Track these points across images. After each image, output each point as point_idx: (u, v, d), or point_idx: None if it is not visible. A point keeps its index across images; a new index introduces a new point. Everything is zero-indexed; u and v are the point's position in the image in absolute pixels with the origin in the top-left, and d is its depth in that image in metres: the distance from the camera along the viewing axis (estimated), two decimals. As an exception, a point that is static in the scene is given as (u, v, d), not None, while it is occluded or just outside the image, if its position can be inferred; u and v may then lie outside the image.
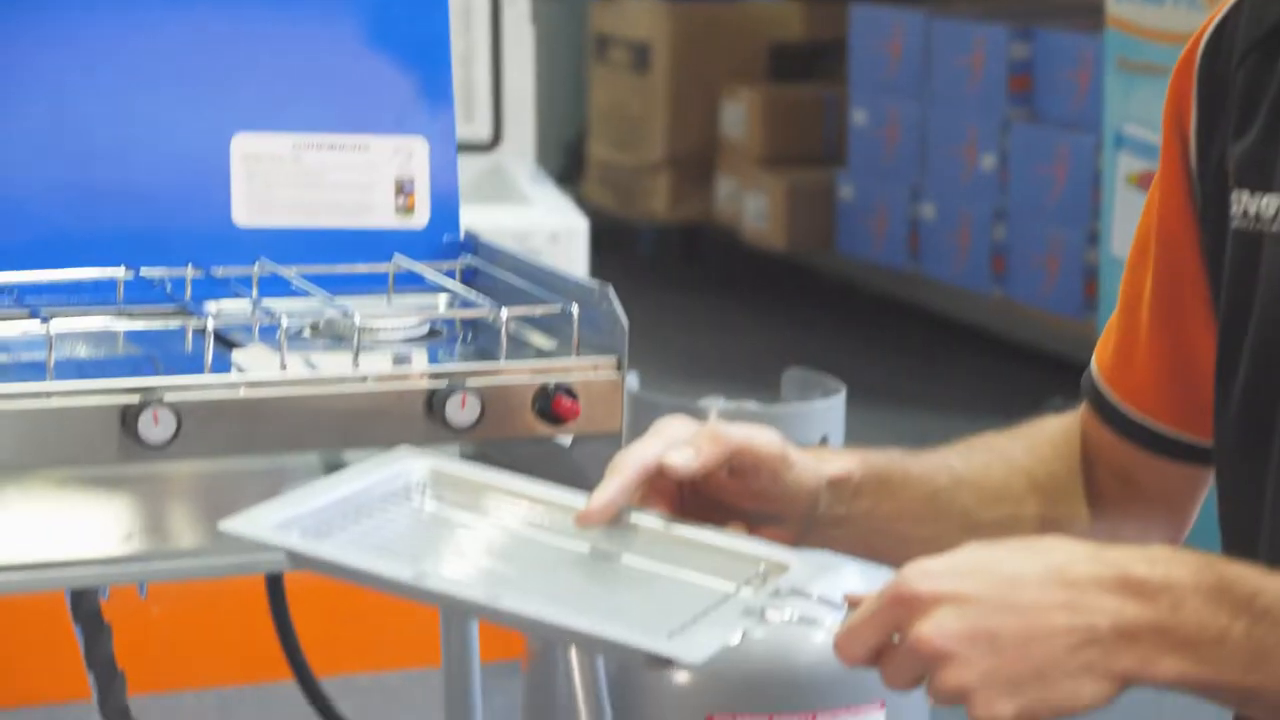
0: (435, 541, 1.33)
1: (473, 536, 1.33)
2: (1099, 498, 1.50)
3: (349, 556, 1.25)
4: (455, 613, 1.20)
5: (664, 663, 1.18)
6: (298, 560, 1.26)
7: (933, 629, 1.17)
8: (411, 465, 1.39)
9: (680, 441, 1.34)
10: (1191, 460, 1.46)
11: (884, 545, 1.43)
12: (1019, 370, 5.03)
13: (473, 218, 1.87)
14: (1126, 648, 1.18)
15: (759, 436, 1.36)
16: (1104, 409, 1.49)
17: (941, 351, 5.27)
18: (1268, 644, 1.18)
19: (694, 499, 1.37)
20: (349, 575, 1.24)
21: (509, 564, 1.30)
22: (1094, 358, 1.51)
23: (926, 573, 1.19)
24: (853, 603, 1.24)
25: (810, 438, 2.46)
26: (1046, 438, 1.52)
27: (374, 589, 1.24)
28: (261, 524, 1.28)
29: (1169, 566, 1.19)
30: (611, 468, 1.33)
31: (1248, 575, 1.19)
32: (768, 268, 5.81)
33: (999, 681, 1.17)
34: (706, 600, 1.26)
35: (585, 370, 1.61)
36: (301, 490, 1.34)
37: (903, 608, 1.19)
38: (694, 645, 1.19)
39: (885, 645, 1.20)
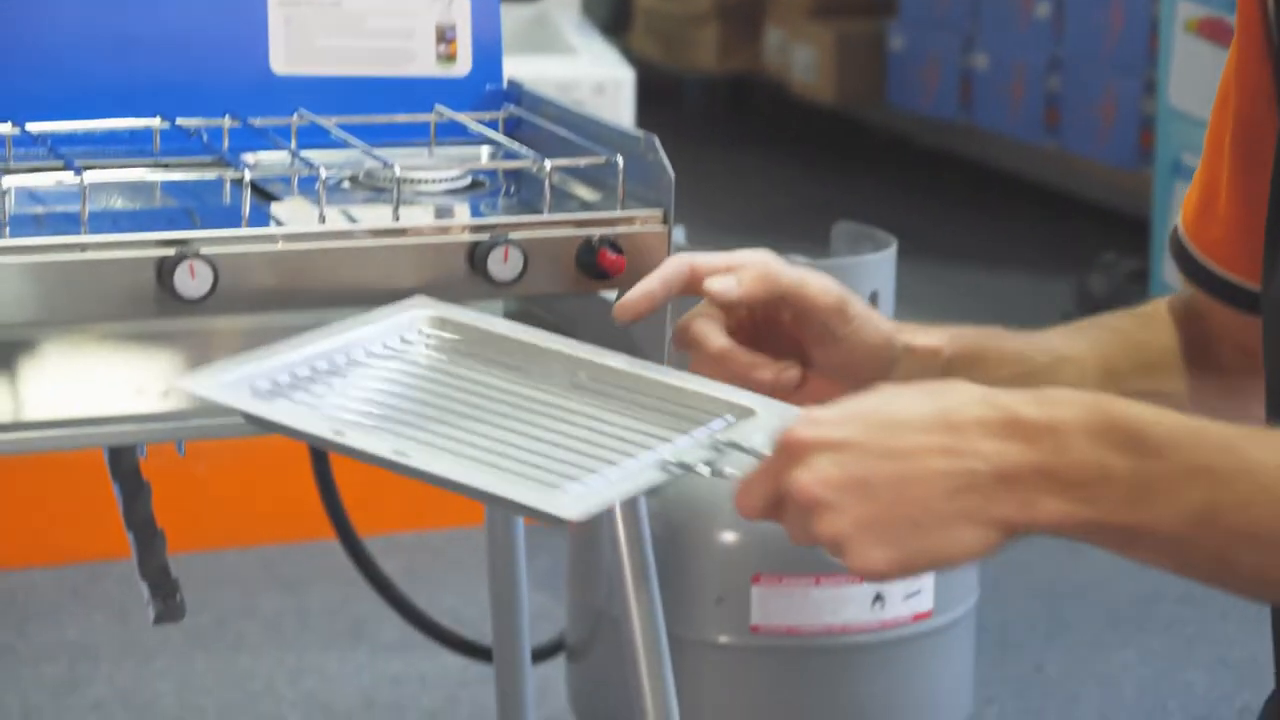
0: (399, 394, 1.32)
1: (440, 388, 1.32)
2: (1192, 363, 1.46)
3: (273, 412, 1.25)
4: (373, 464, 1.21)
5: (545, 517, 1.16)
6: (249, 419, 1.26)
7: (808, 476, 1.14)
8: (416, 314, 1.39)
9: (731, 267, 1.32)
10: None
11: None
12: (1072, 223, 4.98)
13: (516, 68, 1.84)
14: (1006, 492, 1.13)
15: (814, 283, 1.33)
16: (1185, 262, 1.45)
17: (993, 205, 5.22)
18: (1152, 480, 1.13)
19: (757, 338, 1.35)
20: (281, 431, 1.25)
21: (456, 415, 1.29)
22: (1180, 213, 1.47)
23: (813, 420, 1.15)
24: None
25: (861, 292, 2.41)
26: (1153, 312, 1.48)
27: (311, 445, 1.25)
28: (214, 381, 1.28)
29: (1057, 408, 1.14)
30: (660, 266, 1.33)
31: (1139, 413, 1.14)
32: (816, 120, 5.76)
33: (873, 530, 1.14)
34: (633, 448, 1.24)
35: (630, 223, 1.58)
36: (291, 341, 1.34)
37: (787, 456, 1.15)
38: (575, 501, 1.17)
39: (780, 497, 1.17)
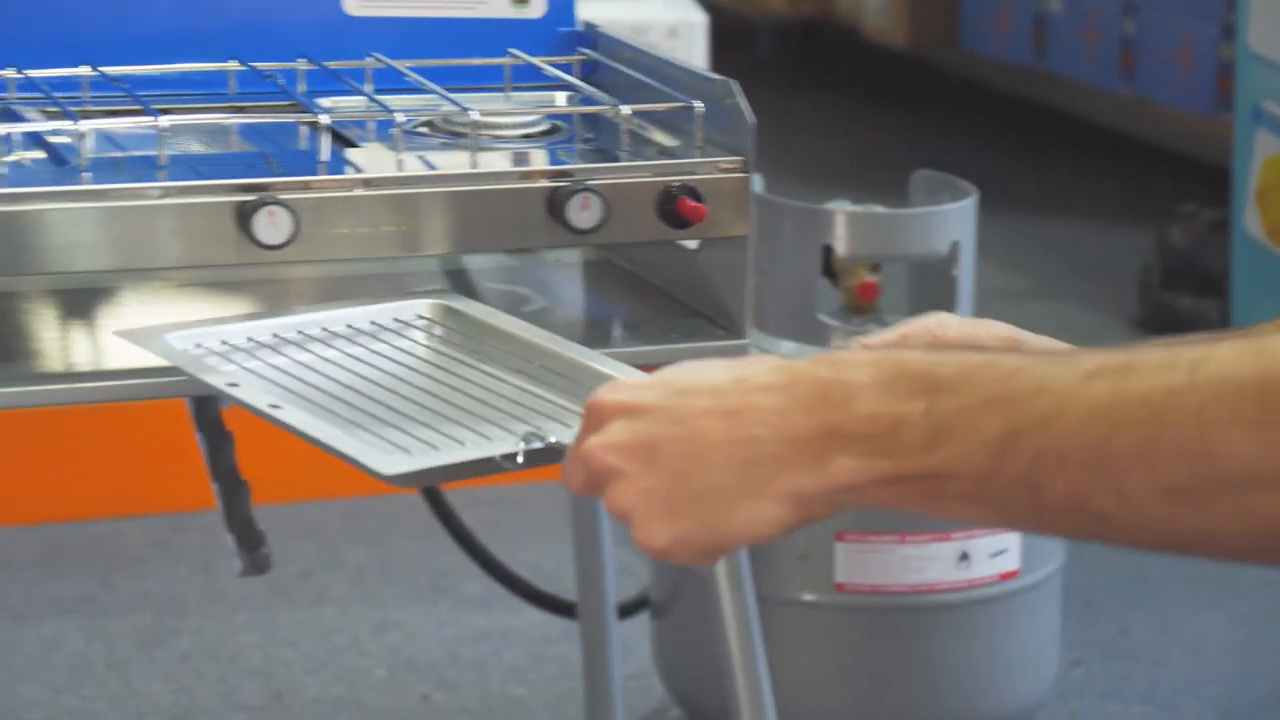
0: (339, 364, 1.39)
1: (384, 360, 1.40)
2: None
3: (180, 360, 1.35)
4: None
5: (365, 469, 1.21)
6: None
7: (598, 441, 1.11)
8: (424, 302, 1.45)
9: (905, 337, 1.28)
10: None
11: None
12: (1149, 171, 4.93)
13: (588, 11, 1.82)
14: (793, 458, 1.07)
15: (982, 334, 1.27)
16: None
17: (1069, 152, 5.17)
18: (946, 419, 1.05)
19: None
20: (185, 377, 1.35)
21: (373, 383, 1.36)
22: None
23: (615, 385, 1.13)
24: None
25: (942, 242, 2.41)
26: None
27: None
28: (158, 336, 1.38)
29: (844, 368, 1.08)
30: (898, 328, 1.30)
31: (927, 357, 1.07)
32: (888, 65, 5.72)
33: (656, 502, 1.09)
34: (515, 424, 1.27)
35: (710, 170, 1.56)
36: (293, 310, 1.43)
37: (588, 421, 1.12)
38: (398, 461, 1.21)
39: None
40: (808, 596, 2.34)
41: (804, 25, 6.00)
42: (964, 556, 2.33)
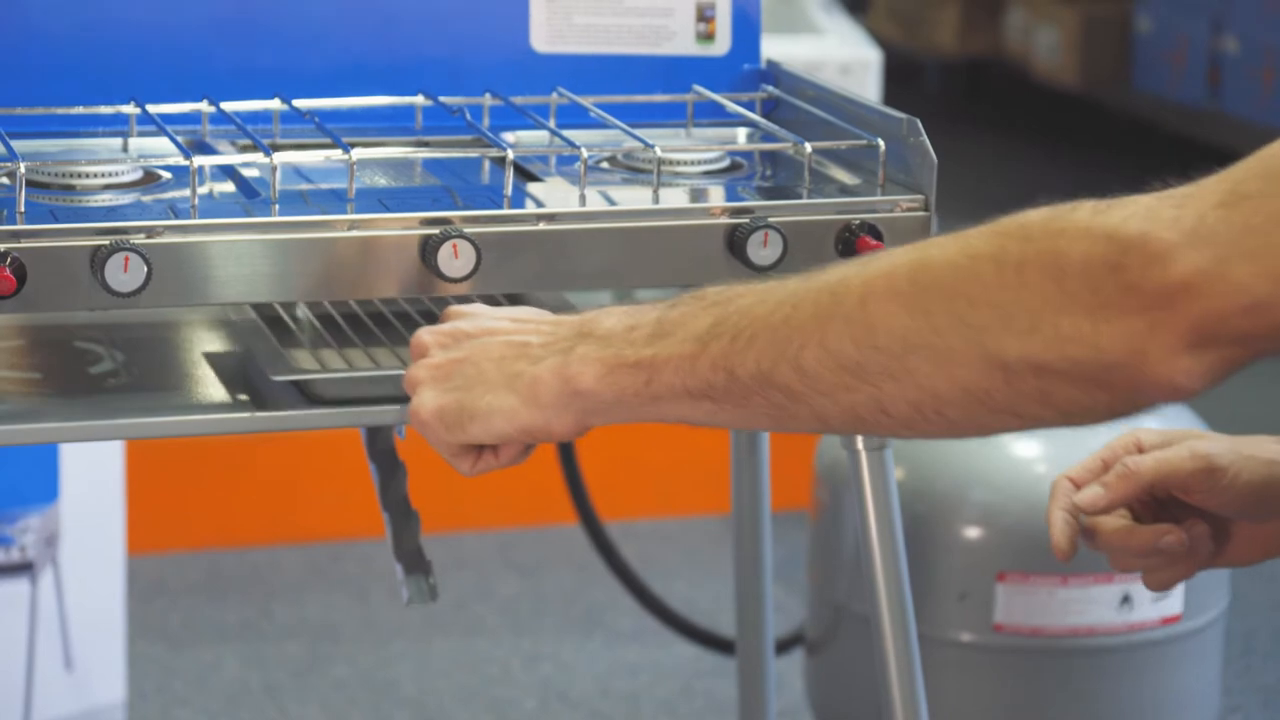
0: None
1: None
2: None
3: None
4: None
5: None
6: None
7: (428, 327, 1.33)
8: None
9: (1091, 476, 1.37)
10: None
11: None
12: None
13: (765, 48, 1.81)
14: (545, 355, 1.24)
15: (1174, 459, 1.34)
16: None
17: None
18: (672, 318, 1.21)
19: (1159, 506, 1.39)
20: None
21: None
22: None
23: (476, 304, 1.36)
24: None
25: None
26: None
27: None
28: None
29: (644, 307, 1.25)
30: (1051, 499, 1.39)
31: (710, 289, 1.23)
32: (1058, 104, 5.66)
33: (436, 379, 1.28)
34: None
35: (891, 209, 1.55)
36: None
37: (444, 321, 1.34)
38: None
39: None
40: (966, 637, 2.31)
41: (972, 64, 5.96)
42: (1126, 599, 2.29)
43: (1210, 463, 1.33)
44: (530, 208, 1.51)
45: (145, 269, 1.38)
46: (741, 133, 1.74)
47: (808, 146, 1.58)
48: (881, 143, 1.57)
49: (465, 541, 3.14)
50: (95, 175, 1.49)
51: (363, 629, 2.89)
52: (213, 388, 1.52)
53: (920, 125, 1.56)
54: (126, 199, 1.48)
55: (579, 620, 2.95)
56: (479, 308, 1.33)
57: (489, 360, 1.26)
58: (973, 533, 2.30)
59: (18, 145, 1.48)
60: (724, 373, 1.17)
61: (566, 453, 2.45)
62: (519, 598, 3.01)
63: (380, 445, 1.68)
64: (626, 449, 3.14)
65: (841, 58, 3.19)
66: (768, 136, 1.66)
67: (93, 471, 2.48)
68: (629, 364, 1.21)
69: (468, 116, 1.64)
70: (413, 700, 2.72)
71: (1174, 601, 2.32)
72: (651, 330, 1.21)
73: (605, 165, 1.62)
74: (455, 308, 1.34)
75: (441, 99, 1.66)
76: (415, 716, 2.68)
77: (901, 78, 5.47)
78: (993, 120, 5.84)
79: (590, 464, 2.65)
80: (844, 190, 1.58)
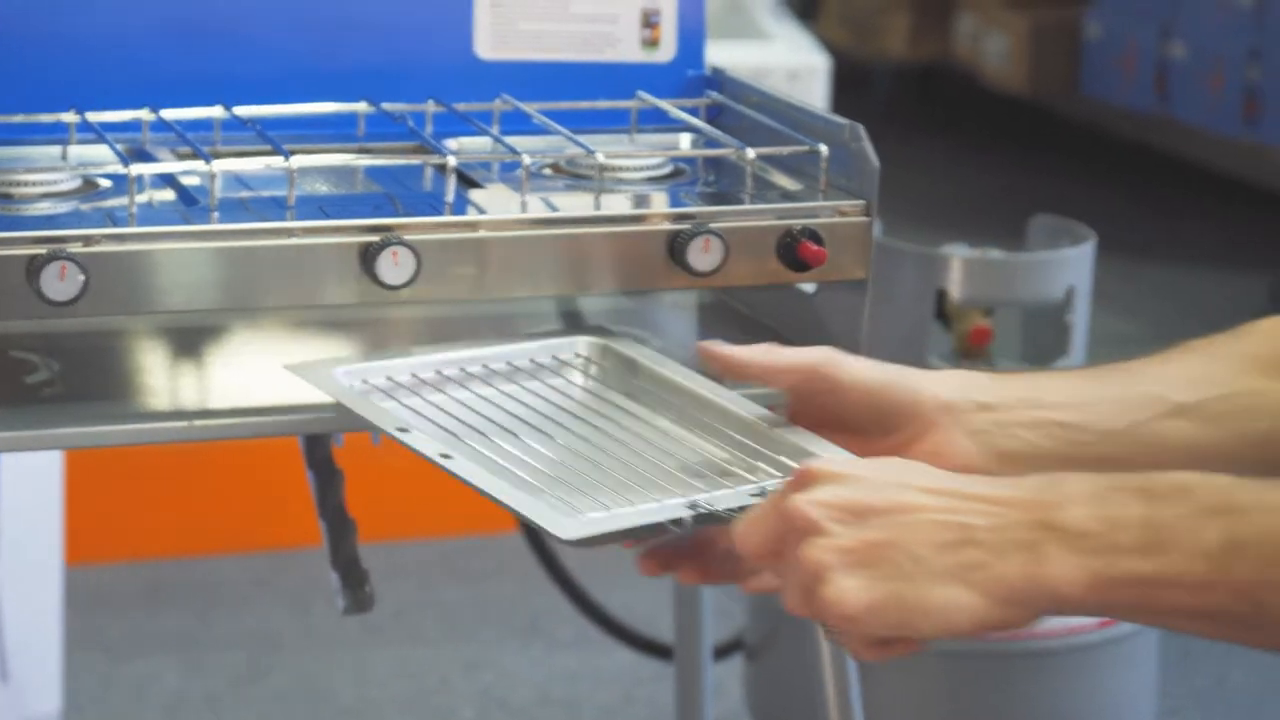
0: (500, 405, 1.39)
1: (543, 402, 1.40)
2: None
3: (354, 402, 1.36)
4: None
5: (546, 534, 1.21)
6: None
7: (806, 497, 1.11)
8: (582, 339, 1.45)
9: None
10: None
11: (1074, 444, 1.31)
12: (1268, 219, 4.87)
13: (709, 53, 1.81)
14: (1006, 549, 1.07)
15: (805, 352, 1.32)
16: None
17: (1189, 199, 5.12)
18: (1166, 523, 1.06)
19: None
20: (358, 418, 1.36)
21: (532, 428, 1.37)
22: None
23: (831, 458, 1.15)
24: None
25: (1057, 288, 2.38)
26: (1257, 326, 1.42)
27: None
28: (324, 371, 1.39)
29: (1062, 477, 1.09)
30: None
31: (1141, 473, 1.09)
32: (1008, 110, 5.68)
33: (854, 564, 1.08)
34: (680, 486, 1.27)
35: (832, 214, 1.55)
36: (447, 350, 1.42)
37: (795, 485, 1.12)
38: (579, 525, 1.21)
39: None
40: (908, 645, 2.30)
41: (923, 70, 5.97)
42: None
43: (833, 355, 1.30)
44: (471, 214, 1.50)
45: (82, 278, 1.37)
46: (685, 139, 1.74)
47: (750, 152, 1.58)
48: (824, 148, 1.57)
49: (407, 550, 3.13)
50: (33, 184, 1.48)
51: (302, 638, 2.87)
52: (151, 397, 1.51)
53: (862, 131, 1.56)
54: (64, 207, 1.47)
55: (519, 628, 2.94)
56: (848, 463, 1.14)
57: (924, 546, 1.08)
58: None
59: (-45, 153, 1.46)
60: (1248, 604, 1.05)
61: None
62: (460, 606, 3.00)
63: (318, 453, 1.67)
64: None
65: (789, 64, 3.19)
66: (711, 142, 1.66)
67: (30, 481, 2.46)
68: (1125, 578, 1.06)
69: (410, 123, 1.63)
70: (351, 709, 2.71)
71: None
72: (1142, 535, 1.06)
73: (548, 172, 1.62)
74: (822, 468, 1.13)
75: (384, 106, 1.65)
76: (355, 725, 2.67)
77: (851, 84, 5.48)
78: (942, 126, 5.85)
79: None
80: (786, 196, 1.58)
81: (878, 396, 1.29)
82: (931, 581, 1.08)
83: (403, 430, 1.32)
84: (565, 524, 1.20)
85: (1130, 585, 1.06)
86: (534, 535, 2.55)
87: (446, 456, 1.29)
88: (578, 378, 1.45)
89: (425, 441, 1.31)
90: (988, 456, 1.29)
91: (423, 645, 2.88)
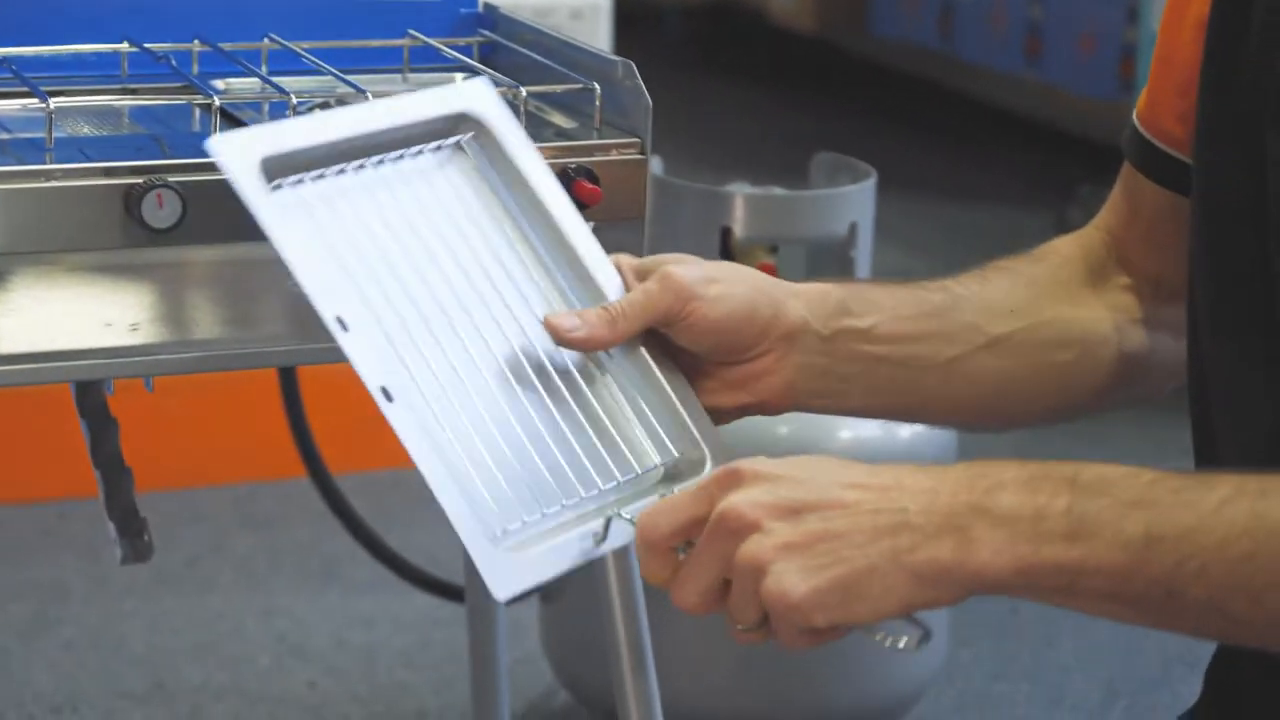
0: (397, 244, 1.27)
1: (438, 250, 1.29)
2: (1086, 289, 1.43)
3: (290, 250, 1.21)
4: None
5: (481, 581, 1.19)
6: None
7: (740, 497, 1.14)
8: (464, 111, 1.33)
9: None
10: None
11: (895, 381, 1.36)
12: (1051, 155, 4.95)
13: (489, -9, 1.80)
14: (937, 531, 1.12)
15: (653, 295, 1.30)
16: (1139, 148, 1.40)
17: (974, 136, 5.18)
18: (1090, 514, 1.11)
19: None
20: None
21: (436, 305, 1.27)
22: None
23: (754, 460, 1.16)
24: None
25: (839, 224, 2.40)
26: (1053, 248, 1.45)
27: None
28: (248, 157, 1.21)
29: (991, 465, 1.14)
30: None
31: (1070, 464, 1.14)
32: (795, 49, 5.71)
33: (795, 556, 1.13)
34: (591, 494, 1.25)
35: (607, 152, 1.55)
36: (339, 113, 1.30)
37: (720, 484, 1.16)
38: (507, 579, 1.19)
39: (693, 530, 1.17)
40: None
41: (711, 9, 5.98)
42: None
43: (680, 289, 1.29)
44: (240, 156, 1.47)
45: None
46: (458, 78, 1.72)
47: (523, 91, 1.57)
48: (598, 86, 1.57)
49: (199, 496, 3.09)
50: None
51: (92, 588, 2.83)
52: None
53: (635, 69, 1.56)
54: None
55: (314, 574, 2.92)
56: (773, 464, 1.17)
57: (861, 534, 1.12)
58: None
59: None
60: (1163, 592, 1.11)
61: (293, 406, 2.42)
62: (253, 552, 2.97)
63: (90, 401, 1.65)
64: (359, 400, 3.11)
65: (572, 3, 3.18)
66: (484, 82, 1.65)
67: None
68: (1050, 564, 1.11)
69: (174, 63, 1.61)
70: (142, 659, 2.67)
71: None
72: (1068, 524, 1.11)
73: (318, 112, 1.59)
74: (748, 468, 1.17)
75: (147, 46, 1.62)
76: (146, 676, 2.63)
77: (640, 23, 5.48)
78: (731, 65, 5.87)
79: (327, 416, 2.62)
80: (561, 134, 1.58)
81: (716, 332, 1.31)
82: (868, 570, 1.12)
83: (342, 326, 1.22)
84: (500, 578, 1.19)
85: (1054, 571, 1.11)
86: (322, 478, 2.53)
87: (387, 395, 1.22)
88: (464, 192, 1.33)
89: (372, 372, 1.22)
90: (810, 389, 1.34)
91: (216, 593, 2.85)
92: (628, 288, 1.31)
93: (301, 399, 2.42)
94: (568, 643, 2.45)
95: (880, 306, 1.36)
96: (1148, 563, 1.10)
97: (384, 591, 2.82)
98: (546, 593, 2.47)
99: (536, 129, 1.58)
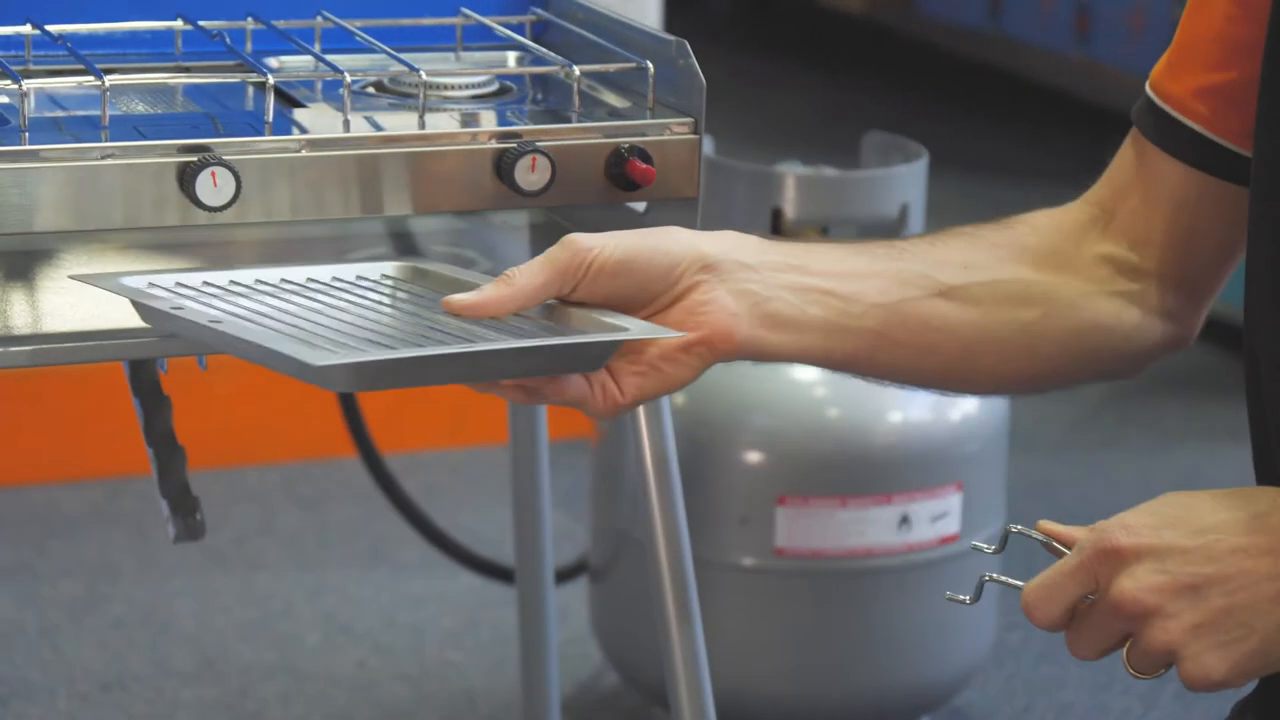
0: (292, 304, 1.35)
1: (340, 302, 1.37)
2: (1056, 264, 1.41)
3: (134, 293, 1.32)
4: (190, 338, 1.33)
5: (309, 371, 1.21)
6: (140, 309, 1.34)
7: (1133, 583, 1.15)
8: (392, 264, 1.42)
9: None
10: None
11: (849, 317, 1.33)
12: (1101, 134, 4.92)
13: (540, -29, 1.79)
14: None
15: (552, 256, 1.32)
16: (1154, 119, 1.39)
17: (1022, 115, 5.16)
18: None
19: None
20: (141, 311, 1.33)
21: (322, 314, 1.34)
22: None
23: (1126, 526, 1.16)
24: (1053, 535, 1.22)
25: (891, 205, 2.39)
26: (1025, 218, 1.43)
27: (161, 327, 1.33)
28: (126, 280, 1.34)
29: None
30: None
31: None
32: (844, 28, 5.69)
33: (1206, 636, 1.15)
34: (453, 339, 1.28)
35: (660, 132, 1.54)
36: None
37: (1103, 563, 1.16)
38: (329, 355, 1.21)
39: (1079, 606, 1.18)
40: (747, 561, 2.32)
41: (759, -13, 5.96)
42: (904, 520, 2.32)
43: (573, 249, 1.30)
44: (294, 134, 1.48)
45: (-111, 201, 1.34)
46: (511, 56, 1.72)
47: (576, 70, 1.56)
48: (651, 65, 1.56)
49: (247, 475, 3.10)
50: None
51: (141, 567, 2.85)
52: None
53: (689, 48, 1.55)
54: None
55: (363, 553, 2.93)
56: (1144, 525, 1.17)
57: (1262, 599, 1.14)
58: (753, 457, 2.31)
59: None
60: None
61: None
62: (302, 532, 2.98)
63: (144, 379, 1.65)
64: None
65: (620, -19, 3.18)
66: (537, 60, 1.65)
67: None
68: None
69: (228, 41, 1.61)
70: (192, 637, 2.68)
71: (951, 521, 2.35)
72: None
73: (371, 90, 1.60)
74: (1128, 544, 1.17)
75: (201, 23, 1.62)
76: (195, 654, 2.64)
77: (688, 1, 5.47)
78: (779, 43, 5.85)
79: (376, 396, 2.62)
80: (613, 114, 1.57)
81: (627, 273, 1.31)
82: (1275, 630, 1.14)
83: (177, 309, 1.30)
84: (316, 355, 1.21)
85: None
86: (372, 458, 2.54)
87: (216, 322, 1.27)
88: (384, 297, 1.42)
89: (198, 313, 1.29)
90: (752, 318, 1.31)
91: (265, 571, 2.86)
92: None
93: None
94: (617, 624, 2.45)
95: (813, 249, 1.34)
96: None
97: (433, 571, 2.83)
98: (595, 572, 2.47)
99: (589, 108, 1.58)
